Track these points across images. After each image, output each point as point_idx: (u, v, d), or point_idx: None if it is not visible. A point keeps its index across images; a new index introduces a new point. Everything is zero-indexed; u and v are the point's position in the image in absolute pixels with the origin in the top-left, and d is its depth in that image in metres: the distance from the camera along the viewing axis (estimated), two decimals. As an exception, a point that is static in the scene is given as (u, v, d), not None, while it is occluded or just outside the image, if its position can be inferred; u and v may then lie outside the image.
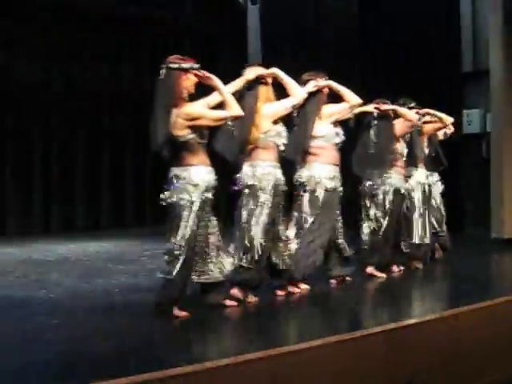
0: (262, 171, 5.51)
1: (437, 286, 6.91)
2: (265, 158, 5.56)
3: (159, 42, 12.67)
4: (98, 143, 12.09)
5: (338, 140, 6.25)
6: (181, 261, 4.88)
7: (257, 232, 5.43)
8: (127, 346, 4.20)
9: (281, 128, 5.68)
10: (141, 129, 12.17)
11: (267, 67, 5.72)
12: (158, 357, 3.94)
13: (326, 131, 6.19)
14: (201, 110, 5.09)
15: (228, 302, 5.33)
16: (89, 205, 11.92)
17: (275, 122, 5.64)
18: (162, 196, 5.03)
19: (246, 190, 5.53)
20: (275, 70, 5.73)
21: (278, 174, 5.60)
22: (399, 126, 7.07)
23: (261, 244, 5.44)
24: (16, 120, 11.29)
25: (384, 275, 6.83)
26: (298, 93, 5.78)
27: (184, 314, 4.96)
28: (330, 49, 12.23)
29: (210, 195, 5.06)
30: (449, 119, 7.75)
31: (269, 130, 5.59)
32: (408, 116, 7.07)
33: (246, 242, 5.43)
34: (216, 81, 5.12)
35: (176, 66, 4.99)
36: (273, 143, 5.61)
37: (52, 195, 11.59)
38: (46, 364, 3.87)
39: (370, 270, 6.87)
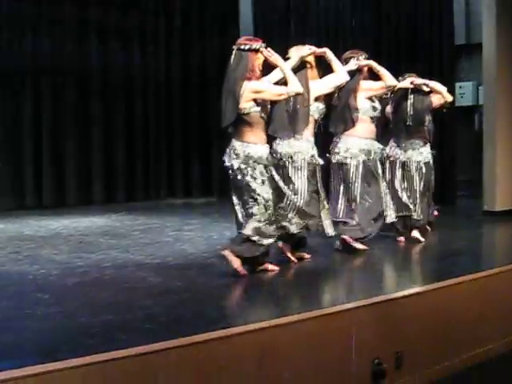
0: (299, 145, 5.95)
1: (428, 258, 6.92)
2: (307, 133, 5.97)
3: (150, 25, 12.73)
4: (88, 118, 12.00)
5: (375, 114, 6.62)
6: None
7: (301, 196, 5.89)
8: (119, 321, 4.21)
9: (321, 104, 6.10)
10: (132, 106, 12.38)
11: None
12: (150, 331, 3.94)
13: (361, 105, 6.54)
14: (265, 84, 5.52)
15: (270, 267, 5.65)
16: (80, 180, 11.87)
17: (316, 99, 6.02)
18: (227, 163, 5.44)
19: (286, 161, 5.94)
20: (326, 50, 6.13)
21: (313, 148, 6.04)
22: (433, 99, 7.40)
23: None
24: (5, 96, 11.22)
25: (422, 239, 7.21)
26: (342, 75, 6.17)
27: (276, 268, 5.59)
28: (321, 25, 12.17)
29: (267, 165, 5.47)
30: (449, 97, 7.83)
31: (310, 105, 5.95)
32: (438, 89, 7.35)
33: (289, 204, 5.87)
34: (279, 59, 5.56)
35: (247, 47, 5.39)
36: (312, 118, 6.01)
37: (43, 170, 11.54)
38: (37, 339, 3.88)
39: (415, 233, 7.22)
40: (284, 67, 5.56)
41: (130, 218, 9.87)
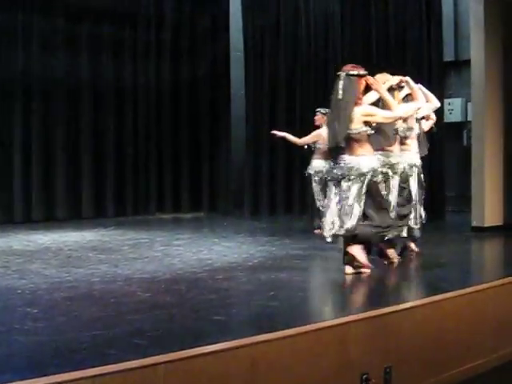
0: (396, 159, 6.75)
1: (417, 274, 6.94)
2: (396, 148, 6.81)
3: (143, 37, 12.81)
4: (78, 133, 12.04)
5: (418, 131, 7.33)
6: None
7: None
8: (107, 336, 4.20)
9: (404, 125, 6.83)
10: (121, 120, 12.40)
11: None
12: (138, 346, 3.93)
13: (413, 124, 7.15)
14: (375, 109, 6.13)
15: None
16: (70, 194, 11.87)
17: (404, 120, 6.75)
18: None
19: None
20: (408, 78, 6.78)
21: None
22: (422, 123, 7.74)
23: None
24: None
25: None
26: (421, 99, 6.79)
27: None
28: (311, 36, 12.22)
29: (377, 178, 6.00)
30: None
31: (399, 126, 6.75)
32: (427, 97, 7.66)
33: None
34: (381, 88, 6.17)
35: (355, 72, 5.98)
36: (398, 136, 6.80)
37: (33, 184, 11.53)
38: (26, 354, 3.86)
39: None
40: (386, 96, 6.13)
41: (119, 233, 9.86)
